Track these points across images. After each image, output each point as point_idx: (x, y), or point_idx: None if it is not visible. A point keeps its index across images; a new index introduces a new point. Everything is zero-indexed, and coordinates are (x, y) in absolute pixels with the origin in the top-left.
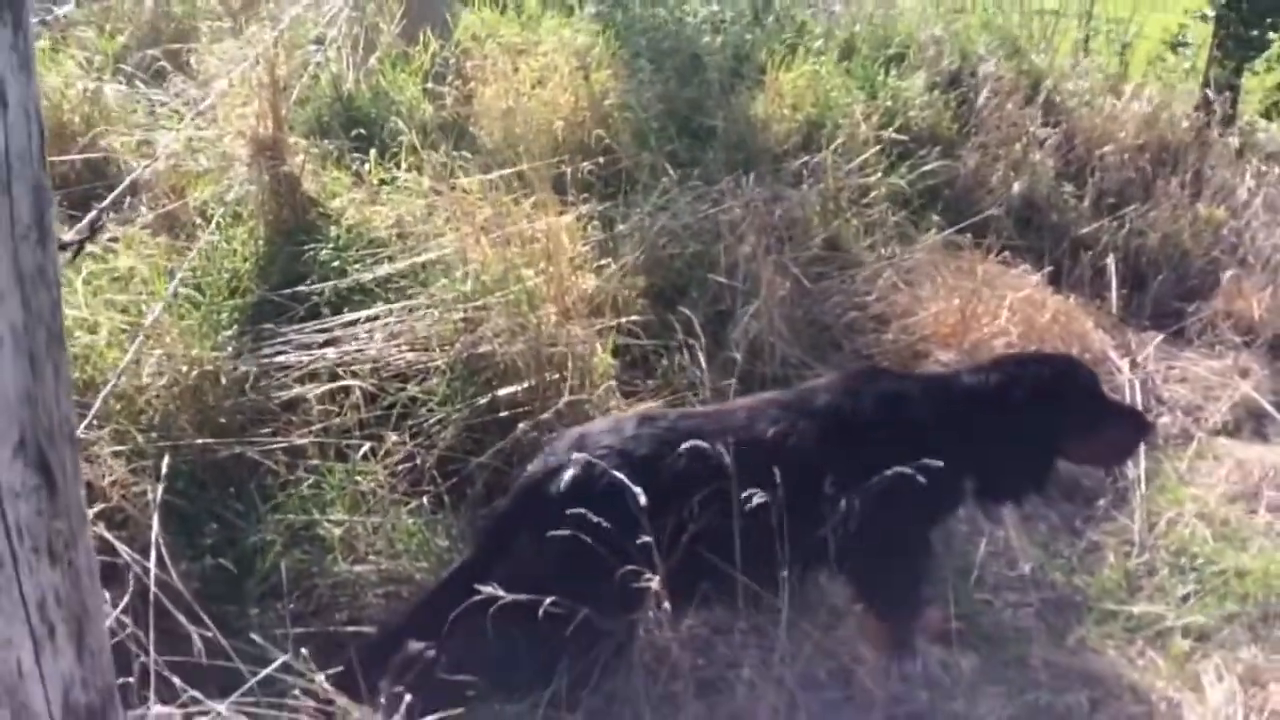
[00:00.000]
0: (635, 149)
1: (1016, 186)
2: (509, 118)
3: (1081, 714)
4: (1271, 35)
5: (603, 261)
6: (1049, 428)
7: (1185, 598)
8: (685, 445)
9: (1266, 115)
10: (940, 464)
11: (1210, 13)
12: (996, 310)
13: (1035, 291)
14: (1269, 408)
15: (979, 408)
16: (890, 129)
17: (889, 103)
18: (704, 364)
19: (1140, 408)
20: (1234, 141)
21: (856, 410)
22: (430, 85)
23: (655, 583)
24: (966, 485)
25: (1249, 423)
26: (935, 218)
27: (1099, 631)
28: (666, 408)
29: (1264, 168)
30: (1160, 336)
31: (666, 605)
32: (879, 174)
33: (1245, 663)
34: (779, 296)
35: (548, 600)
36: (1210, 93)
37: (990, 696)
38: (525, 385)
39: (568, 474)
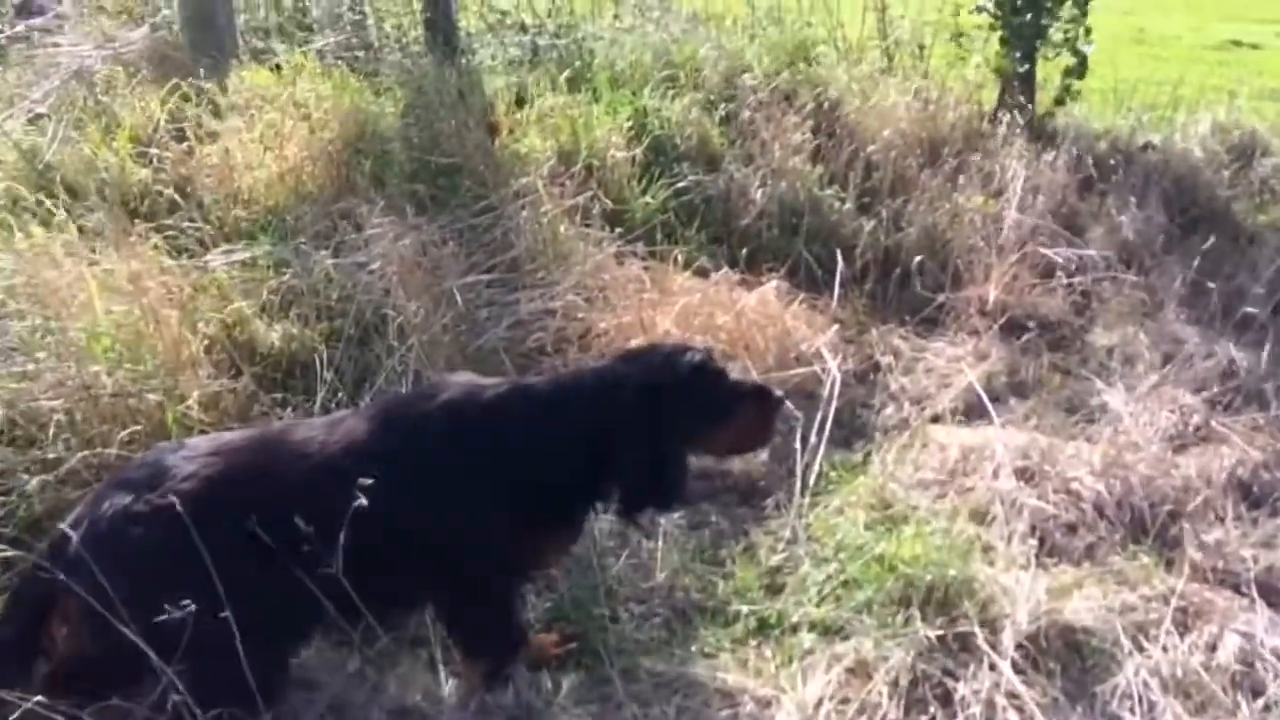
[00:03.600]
0: (373, 193)
1: (763, 194)
2: (227, 174)
3: None
4: (1045, 20)
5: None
6: (656, 423)
7: (821, 591)
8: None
9: (1060, 101)
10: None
11: (987, 4)
12: (679, 317)
13: (717, 293)
14: (981, 394)
15: (562, 416)
16: (639, 148)
17: (654, 124)
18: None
19: (766, 384)
20: (1002, 129)
21: (421, 430)
22: (150, 149)
23: None
24: (564, 502)
25: (977, 406)
26: (690, 233)
27: (723, 635)
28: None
29: (1025, 152)
30: (900, 328)
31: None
32: (637, 194)
33: (859, 653)
34: (437, 327)
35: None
36: (996, 83)
37: (576, 718)
38: (74, 440)
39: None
